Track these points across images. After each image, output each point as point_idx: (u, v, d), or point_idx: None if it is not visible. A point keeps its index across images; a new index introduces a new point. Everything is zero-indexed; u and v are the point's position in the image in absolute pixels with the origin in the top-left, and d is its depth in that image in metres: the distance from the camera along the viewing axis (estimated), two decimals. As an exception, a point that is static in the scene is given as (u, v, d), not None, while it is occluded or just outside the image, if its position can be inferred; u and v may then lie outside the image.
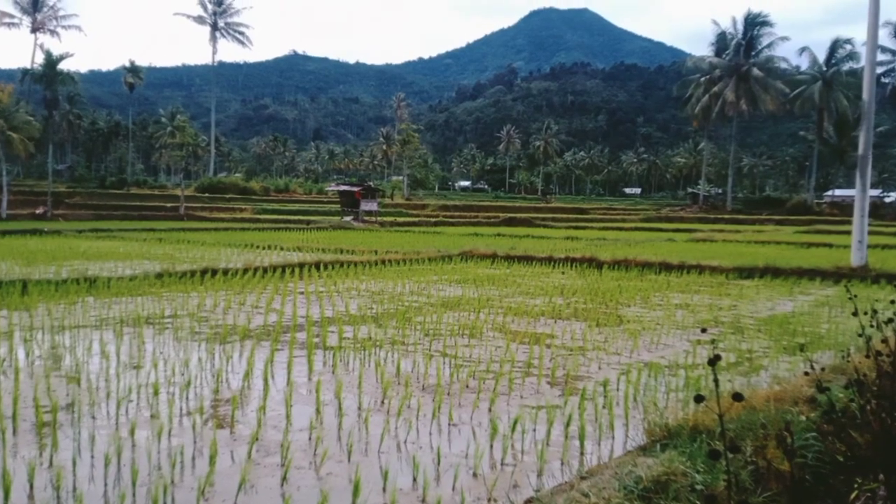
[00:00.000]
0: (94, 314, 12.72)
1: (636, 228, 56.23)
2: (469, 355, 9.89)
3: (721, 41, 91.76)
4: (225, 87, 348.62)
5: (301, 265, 20.81)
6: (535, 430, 6.77)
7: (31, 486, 5.21)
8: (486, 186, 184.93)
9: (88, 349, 9.76)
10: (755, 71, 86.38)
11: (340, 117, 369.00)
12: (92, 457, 5.88)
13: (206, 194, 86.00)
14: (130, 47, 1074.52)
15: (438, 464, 5.87)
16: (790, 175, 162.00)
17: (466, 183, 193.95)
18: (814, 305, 16.03)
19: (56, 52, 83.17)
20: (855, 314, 5.19)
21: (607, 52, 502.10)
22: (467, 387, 8.23)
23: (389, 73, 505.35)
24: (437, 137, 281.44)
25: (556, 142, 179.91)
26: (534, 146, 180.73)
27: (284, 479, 5.50)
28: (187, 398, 7.59)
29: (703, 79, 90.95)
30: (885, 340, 5.10)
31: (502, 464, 5.98)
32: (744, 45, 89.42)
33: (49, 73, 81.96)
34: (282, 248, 27.93)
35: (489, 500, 5.25)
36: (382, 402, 7.57)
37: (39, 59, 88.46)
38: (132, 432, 6.36)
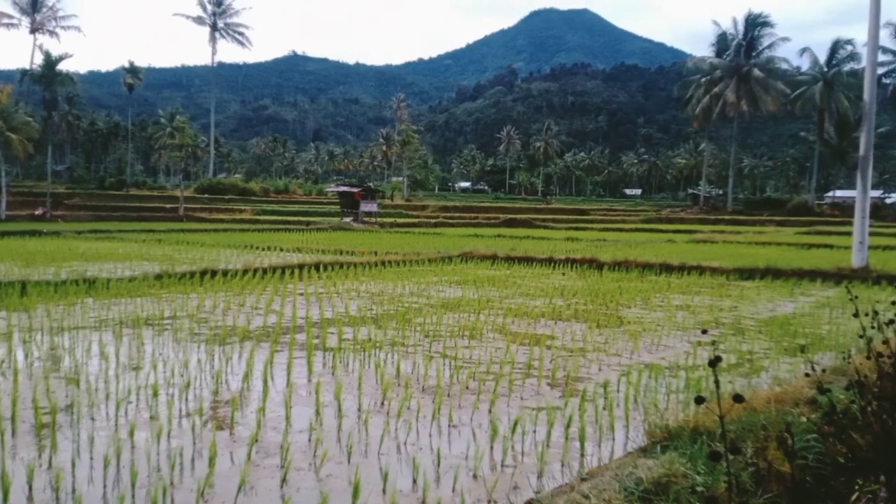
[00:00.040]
0: (93, 315, 12.71)
1: (637, 229, 56.20)
2: (469, 356, 9.87)
3: (722, 42, 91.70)
4: (224, 87, 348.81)
5: (301, 266, 20.81)
6: (535, 431, 6.75)
7: (31, 488, 5.20)
8: (486, 187, 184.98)
9: (87, 350, 9.75)
10: (756, 72, 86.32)
11: (340, 118, 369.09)
12: (91, 458, 5.87)
13: (206, 195, 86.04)
14: (130, 48, 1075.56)
15: (438, 465, 5.86)
16: (791, 176, 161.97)
17: (466, 184, 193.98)
18: (815, 307, 16.02)
19: (55, 53, 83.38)
20: (856, 315, 5.18)
21: (608, 52, 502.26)
22: (467, 388, 8.22)
23: (389, 74, 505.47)
24: (437, 138, 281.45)
25: (556, 143, 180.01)
26: (534, 147, 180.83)
27: (284, 480, 5.48)
28: (187, 399, 7.57)
29: (703, 79, 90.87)
30: (886, 342, 5.10)
31: (502, 465, 5.97)
32: (744, 45, 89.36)
33: (48, 74, 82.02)
34: (281, 250, 27.94)
35: (489, 501, 5.24)
36: (382, 404, 7.55)
37: (38, 59, 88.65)
38: (131, 434, 6.34)
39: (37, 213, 59.87)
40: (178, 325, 11.76)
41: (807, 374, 5.12)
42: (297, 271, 20.08)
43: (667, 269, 22.72)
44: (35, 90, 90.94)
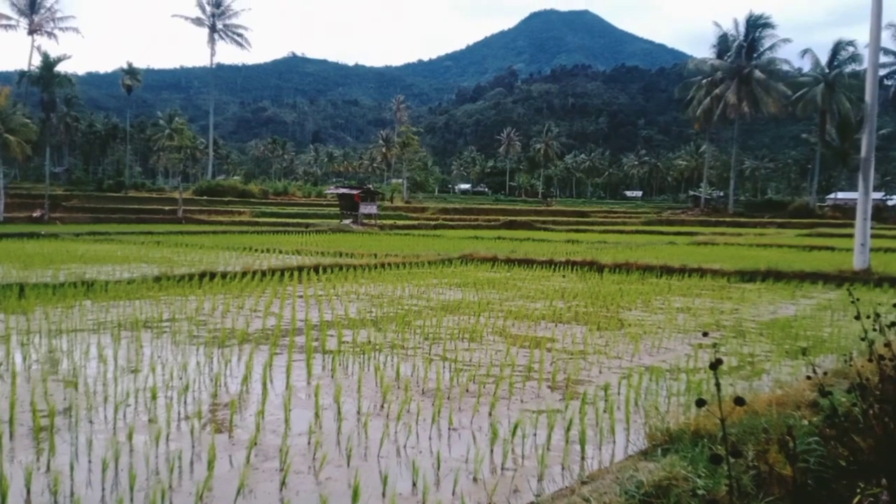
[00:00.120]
0: (91, 318, 12.69)
1: (637, 231, 56.17)
2: (469, 359, 9.86)
3: (723, 43, 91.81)
4: (223, 89, 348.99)
5: (300, 268, 20.79)
6: (535, 434, 6.73)
7: (29, 491, 5.17)
8: (486, 189, 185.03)
9: (86, 353, 9.72)
10: (757, 73, 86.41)
11: (340, 120, 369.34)
12: (89, 461, 5.84)
13: (205, 197, 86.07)
14: (128, 49, 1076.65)
15: (438, 468, 5.84)
16: (792, 178, 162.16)
17: (466, 186, 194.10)
18: (816, 309, 16.00)
19: (53, 54, 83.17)
20: (857, 318, 5.17)
21: (608, 54, 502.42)
22: (467, 391, 8.20)
23: (389, 75, 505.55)
24: (437, 140, 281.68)
25: (556, 144, 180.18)
26: (534, 149, 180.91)
27: (283, 483, 5.46)
28: (185, 402, 7.55)
29: (704, 81, 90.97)
30: (887, 344, 5.08)
31: (503, 468, 5.94)
32: (745, 46, 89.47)
33: (46, 76, 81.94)
34: (280, 252, 27.95)
35: (489, 505, 5.22)
36: (382, 407, 7.53)
37: (36, 61, 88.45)
38: (130, 437, 6.31)
39: (35, 214, 59.86)
40: (176, 328, 11.74)
41: (808, 377, 5.09)
42: (296, 273, 20.06)
43: (667, 271, 22.69)
44: (33, 92, 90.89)
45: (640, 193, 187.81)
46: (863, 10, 23.54)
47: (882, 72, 75.97)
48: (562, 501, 4.65)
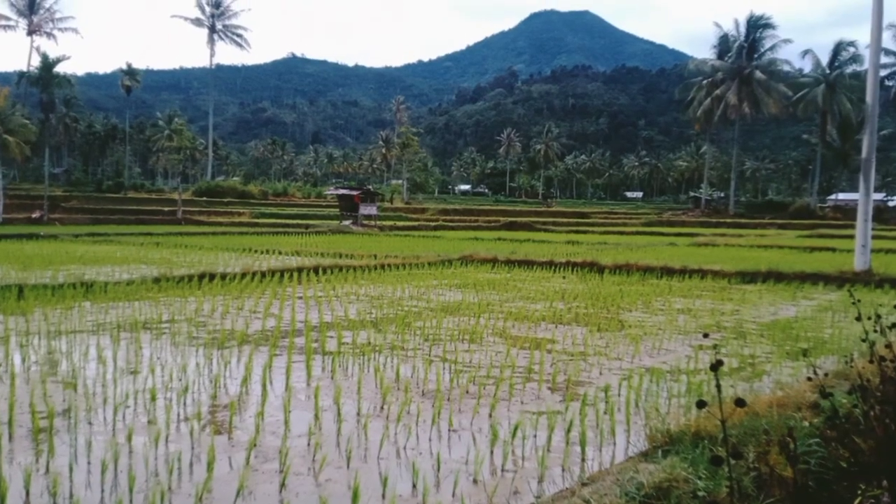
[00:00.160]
0: (90, 319, 12.68)
1: (638, 232, 56.12)
2: (469, 360, 9.84)
3: (723, 44, 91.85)
4: (223, 90, 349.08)
5: (300, 269, 20.77)
6: (535, 435, 6.71)
7: (28, 493, 5.16)
8: (486, 190, 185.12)
9: (85, 354, 9.72)
10: (758, 74, 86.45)
11: (339, 120, 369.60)
12: (89, 463, 5.82)
13: (204, 198, 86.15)
14: (127, 50, 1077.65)
15: (438, 470, 5.82)
16: (793, 179, 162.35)
17: (466, 187, 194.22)
18: (817, 310, 15.98)
19: (52, 55, 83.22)
20: (858, 319, 5.16)
21: (608, 54, 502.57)
22: (467, 392, 8.18)
23: (389, 76, 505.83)
24: (437, 141, 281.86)
25: (556, 145, 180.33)
26: (534, 149, 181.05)
27: (283, 485, 5.45)
28: (185, 404, 7.53)
29: (705, 81, 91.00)
30: (888, 345, 5.06)
31: (503, 470, 5.93)
32: (746, 47, 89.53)
33: (45, 76, 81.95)
34: (280, 253, 27.93)
35: (489, 507, 5.21)
36: (382, 408, 7.52)
37: (36, 61, 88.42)
38: (129, 438, 6.30)
39: (34, 215, 59.85)
40: (176, 329, 11.73)
41: (809, 379, 5.08)
42: (295, 275, 20.04)
43: (668, 272, 22.66)
44: (32, 92, 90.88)
45: (640, 194, 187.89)
46: (864, 10, 23.53)
47: (883, 72, 75.86)
48: (562, 503, 4.63)
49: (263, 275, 19.51)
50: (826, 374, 5.51)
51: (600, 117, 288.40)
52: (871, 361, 5.03)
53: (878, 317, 5.20)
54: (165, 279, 17.61)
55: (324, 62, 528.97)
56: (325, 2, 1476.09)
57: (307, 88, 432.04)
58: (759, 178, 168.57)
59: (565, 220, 78.14)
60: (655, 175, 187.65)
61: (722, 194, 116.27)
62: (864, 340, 5.03)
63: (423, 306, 15.08)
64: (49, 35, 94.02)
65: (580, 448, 6.33)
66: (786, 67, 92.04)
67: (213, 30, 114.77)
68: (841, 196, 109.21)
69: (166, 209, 71.21)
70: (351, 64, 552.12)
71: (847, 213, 74.06)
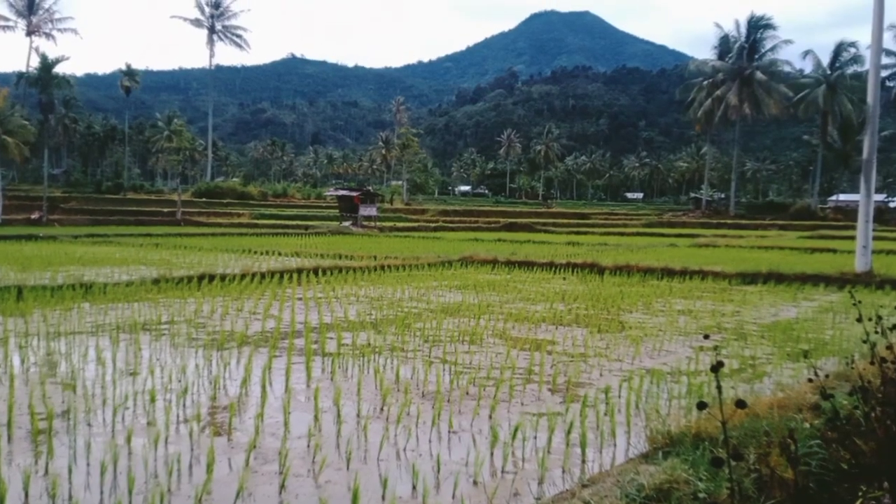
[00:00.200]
0: (90, 320, 12.68)
1: (638, 233, 56.09)
2: (469, 362, 9.83)
3: (724, 44, 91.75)
4: (222, 90, 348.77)
5: (299, 271, 20.76)
6: (535, 437, 6.71)
7: (27, 495, 5.15)
8: (486, 191, 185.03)
9: (84, 356, 9.72)
10: (758, 74, 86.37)
11: (339, 121, 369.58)
12: (88, 465, 5.82)
13: (204, 199, 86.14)
14: (127, 50, 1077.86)
15: (438, 471, 5.82)
16: (794, 180, 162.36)
17: (466, 188, 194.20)
18: (818, 311, 15.96)
19: (51, 56, 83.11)
20: (859, 320, 5.15)
21: (609, 55, 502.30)
22: (467, 394, 8.18)
23: (388, 77, 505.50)
24: (437, 142, 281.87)
25: (557, 146, 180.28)
26: (535, 150, 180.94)
27: (283, 487, 5.44)
28: (184, 405, 7.53)
29: (705, 82, 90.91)
30: (889, 347, 5.05)
31: (503, 471, 5.92)
32: (747, 48, 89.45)
33: (44, 77, 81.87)
34: (280, 254, 27.90)
35: (489, 509, 5.20)
36: (381, 410, 7.51)
37: (35, 62, 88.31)
38: (128, 440, 6.30)
39: (33, 217, 59.79)
40: (175, 330, 11.72)
41: (810, 380, 5.07)
42: (295, 276, 20.03)
43: (668, 273, 22.64)
44: (31, 93, 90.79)
45: (640, 195, 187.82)
46: (864, 11, 23.51)
47: (884, 73, 75.74)
48: (562, 505, 4.63)
49: (263, 276, 19.50)
50: (827, 376, 5.50)
51: (601, 118, 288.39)
52: (872, 363, 5.02)
53: (879, 318, 5.19)
54: (165, 280, 17.60)
55: (323, 63, 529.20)
56: (324, 2, 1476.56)
57: (307, 89, 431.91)
58: (759, 179, 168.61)
59: (565, 221, 78.04)
60: (656, 176, 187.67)
61: (722, 195, 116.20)
62: (865, 342, 5.02)
63: (423, 307, 15.08)
64: (48, 36, 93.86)
65: (580, 449, 6.32)
66: (786, 68, 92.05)
67: (212, 30, 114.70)
68: (842, 197, 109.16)
69: (165, 210, 71.15)
70: (350, 64, 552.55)
71: (848, 215, 73.96)
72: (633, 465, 5.38)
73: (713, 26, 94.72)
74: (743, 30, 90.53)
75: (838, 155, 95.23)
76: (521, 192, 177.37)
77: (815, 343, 11.47)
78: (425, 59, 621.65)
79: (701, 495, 4.42)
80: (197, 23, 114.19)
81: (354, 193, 63.96)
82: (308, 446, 6.37)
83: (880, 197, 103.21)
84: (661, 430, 6.06)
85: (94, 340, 10.73)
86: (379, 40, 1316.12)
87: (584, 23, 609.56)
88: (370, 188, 78.82)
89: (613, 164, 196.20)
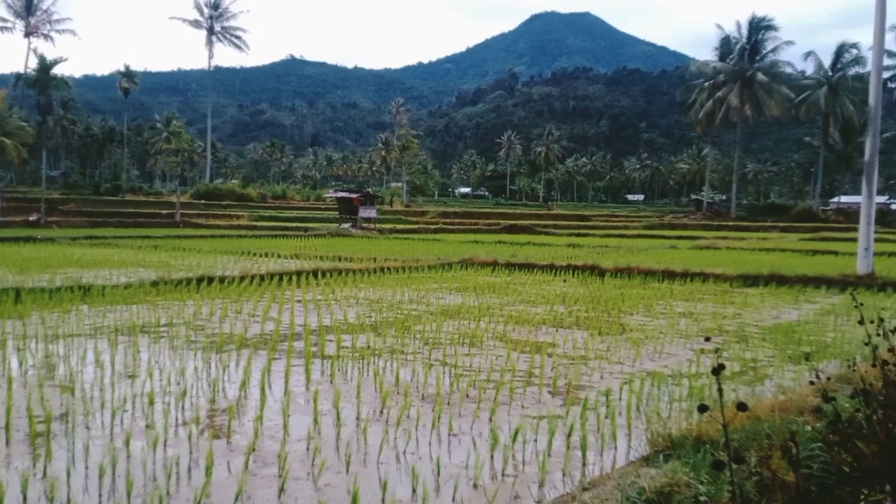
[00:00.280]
0: (88, 323, 12.66)
1: (639, 236, 56.06)
2: (469, 364, 9.81)
3: (725, 45, 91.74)
4: (221, 92, 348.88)
5: (299, 273, 20.74)
6: (536, 440, 6.69)
7: (25, 498, 5.13)
8: (486, 193, 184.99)
9: (83, 358, 9.70)
10: (760, 76, 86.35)
11: (339, 123, 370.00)
12: (86, 467, 5.80)
13: (203, 201, 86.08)
14: (125, 52, 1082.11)
15: (438, 475, 5.79)
16: (795, 181, 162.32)
17: (466, 189, 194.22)
18: (819, 314, 15.93)
19: (50, 57, 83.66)
20: (861, 323, 5.13)
21: (609, 56, 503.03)
22: (467, 396, 8.15)
23: (388, 78, 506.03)
24: (437, 143, 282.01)
25: (557, 148, 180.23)
26: (535, 152, 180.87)
27: (282, 490, 5.42)
28: (183, 408, 7.50)
29: (706, 84, 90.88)
30: (891, 349, 5.03)
31: (503, 475, 5.90)
32: (748, 49, 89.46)
33: (43, 78, 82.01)
34: (279, 256, 27.86)
35: (490, 512, 5.18)
36: (381, 412, 7.49)
37: (33, 63, 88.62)
38: (127, 443, 6.28)
39: (31, 218, 59.72)
40: (174, 333, 11.69)
41: (811, 383, 5.05)
42: (294, 278, 20.01)
43: (669, 275, 22.62)
44: (29, 94, 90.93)
45: (641, 197, 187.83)
46: (866, 12, 23.50)
47: (886, 74, 75.66)
48: (563, 508, 4.61)
49: (262, 278, 19.48)
50: (828, 378, 5.49)
51: (601, 119, 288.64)
52: (873, 365, 5.00)
53: (881, 320, 5.16)
54: (163, 282, 17.58)
55: (323, 64, 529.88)
56: (324, 3, 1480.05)
57: (306, 90, 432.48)
58: (760, 181, 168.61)
59: (566, 222, 78.02)
60: (657, 178, 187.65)
61: (724, 197, 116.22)
62: (866, 344, 4.99)
63: (423, 310, 15.05)
64: (46, 37, 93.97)
65: (581, 452, 6.31)
66: (788, 69, 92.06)
67: (211, 31, 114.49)
68: (843, 199, 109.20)
69: (164, 212, 71.09)
70: (350, 66, 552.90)
71: (850, 216, 73.94)
72: (633, 468, 5.37)
73: (714, 27, 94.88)
74: (744, 31, 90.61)
75: (840, 157, 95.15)
76: (522, 194, 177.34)
77: (816, 345, 11.45)
78: (425, 61, 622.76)
79: (702, 498, 4.41)
80: (196, 24, 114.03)
81: (354, 195, 63.97)
82: (307, 449, 6.35)
83: (882, 199, 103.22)
84: (661, 432, 6.05)
85: (93, 343, 10.71)
86: (378, 41, 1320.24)
87: (585, 24, 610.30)
88: (370, 190, 78.77)
89: (614, 165, 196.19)
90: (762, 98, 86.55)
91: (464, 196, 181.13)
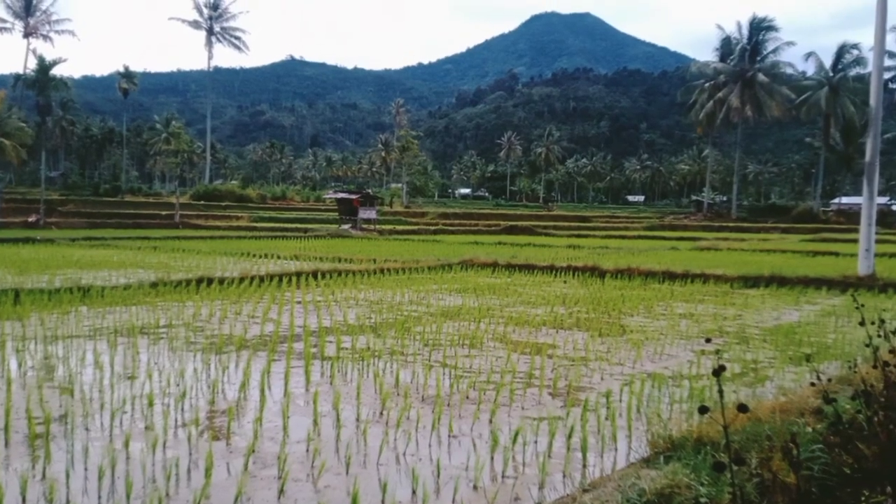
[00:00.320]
0: (87, 324, 12.65)
1: (639, 237, 56.06)
2: (469, 366, 9.79)
3: (726, 46, 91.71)
4: (221, 92, 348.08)
5: (298, 274, 20.73)
6: (536, 441, 6.68)
7: (24, 499, 5.12)
8: (486, 194, 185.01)
9: (82, 359, 9.69)
10: (760, 76, 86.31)
11: (338, 123, 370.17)
12: (85, 469, 5.79)
13: (202, 202, 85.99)
14: (125, 52, 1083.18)
15: (438, 476, 5.78)
16: (796, 182, 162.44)
17: (466, 190, 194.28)
18: (820, 315, 15.92)
19: (49, 57, 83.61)
20: (862, 324, 5.11)
21: (610, 57, 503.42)
22: (467, 398, 8.14)
23: (388, 79, 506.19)
24: (437, 144, 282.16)
25: (557, 148, 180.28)
26: (535, 153, 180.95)
27: (281, 491, 5.41)
28: (183, 409, 7.49)
29: (707, 84, 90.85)
30: (892, 351, 5.02)
31: (503, 476, 5.89)
32: (749, 50, 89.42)
33: (42, 79, 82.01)
34: (279, 257, 27.83)
35: (490, 514, 5.17)
36: (381, 414, 7.47)
37: (32, 64, 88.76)
38: (126, 444, 6.27)
39: (30, 219, 59.61)
40: (173, 334, 11.68)
41: (812, 384, 5.04)
42: (294, 279, 19.99)
43: (670, 276, 22.60)
44: (28, 95, 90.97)
45: (642, 198, 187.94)
46: (867, 12, 23.49)
47: (887, 75, 75.66)
48: (563, 510, 4.60)
49: (262, 279, 19.47)
50: (829, 380, 5.46)
51: (601, 120, 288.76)
52: (874, 366, 4.98)
53: (882, 321, 5.15)
54: (163, 284, 17.57)
55: (322, 65, 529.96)
56: (323, 4, 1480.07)
57: (306, 91, 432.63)
58: (761, 182, 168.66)
59: (566, 224, 78.02)
60: (657, 179, 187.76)
61: (724, 198, 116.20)
62: (867, 345, 4.98)
63: (423, 311, 15.04)
64: (45, 37, 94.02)
65: (581, 454, 6.30)
66: (789, 70, 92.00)
67: (211, 32, 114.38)
68: (844, 200, 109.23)
69: (164, 213, 70.94)
70: (350, 66, 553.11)
71: (850, 217, 73.90)
72: (634, 470, 5.36)
73: (715, 28, 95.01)
74: (745, 31, 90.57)
75: (841, 157, 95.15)
76: (522, 195, 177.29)
77: (817, 347, 11.44)
78: (425, 61, 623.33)
79: (703, 500, 4.40)
80: (195, 24, 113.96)
81: (354, 196, 63.97)
82: (307, 451, 6.34)
83: (883, 200, 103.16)
84: (662, 434, 6.05)
85: (92, 344, 10.70)
86: (378, 42, 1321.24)
87: (585, 24, 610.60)
88: (369, 191, 78.73)
89: (614, 166, 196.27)
90: (763, 99, 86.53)
91: (464, 197, 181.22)
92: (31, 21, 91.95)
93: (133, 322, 12.62)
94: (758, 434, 5.50)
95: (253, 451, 6.16)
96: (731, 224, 78.52)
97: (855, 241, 25.35)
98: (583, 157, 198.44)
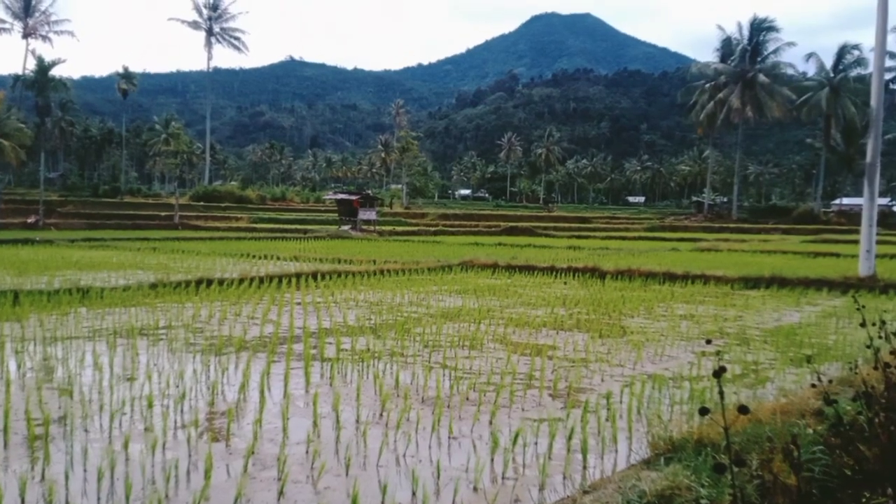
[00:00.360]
0: (86, 325, 12.63)
1: (640, 238, 56.06)
2: (469, 367, 9.79)
3: (726, 47, 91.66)
4: (220, 93, 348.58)
5: (298, 275, 20.71)
6: (536, 443, 6.67)
7: (23, 501, 5.11)
8: (486, 195, 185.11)
9: (81, 361, 9.68)
10: (761, 77, 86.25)
11: (338, 124, 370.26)
12: (85, 470, 5.78)
13: (201, 203, 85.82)
14: (124, 53, 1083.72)
15: (438, 478, 5.78)
16: (797, 183, 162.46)
17: (467, 191, 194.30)
18: (821, 316, 15.91)
19: (48, 58, 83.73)
20: (863, 325, 5.10)
21: (610, 57, 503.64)
22: (467, 399, 8.13)
23: (388, 80, 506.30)
24: (437, 145, 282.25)
25: (558, 149, 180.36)
26: (535, 154, 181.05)
27: (281, 493, 5.40)
28: (182, 411, 7.48)
29: (707, 85, 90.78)
30: (893, 352, 5.01)
31: (503, 478, 5.88)
32: (749, 50, 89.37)
33: (41, 80, 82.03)
34: (278, 258, 27.80)
35: (490, 516, 5.16)
36: (381, 415, 7.47)
37: (31, 64, 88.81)
38: (126, 445, 6.25)
39: (29, 221, 59.47)
40: (173, 335, 11.67)
41: (813, 385, 5.03)
42: (294, 280, 19.97)
43: (670, 277, 22.59)
44: (28, 96, 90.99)
45: (642, 199, 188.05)
46: (868, 13, 23.50)
47: (888, 76, 75.58)
48: (564, 512, 4.60)
49: (261, 280, 19.45)
50: (830, 381, 5.45)
51: (602, 121, 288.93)
52: (875, 368, 4.97)
53: (883, 323, 5.15)
54: (162, 285, 17.55)
55: (322, 65, 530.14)
56: (323, 4, 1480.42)
57: (305, 92, 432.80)
58: (762, 183, 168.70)
59: (566, 225, 77.96)
60: (658, 179, 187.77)
61: (725, 199, 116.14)
62: (868, 347, 4.97)
63: (423, 312, 15.03)
64: (45, 38, 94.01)
65: (581, 455, 6.29)
66: (789, 71, 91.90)
67: (210, 33, 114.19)
68: (845, 201, 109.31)
69: (163, 214, 70.78)
70: (350, 67, 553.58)
71: (851, 218, 73.87)
72: (634, 471, 5.36)
73: (715, 29, 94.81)
74: (745, 32, 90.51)
75: (841, 158, 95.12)
76: (522, 196, 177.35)
77: (818, 348, 11.44)
78: (425, 62, 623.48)
79: (703, 501, 4.40)
80: (195, 25, 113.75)
81: (353, 197, 63.87)
82: (307, 452, 6.33)
83: (884, 201, 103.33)
84: (662, 435, 6.04)
85: (91, 345, 10.69)
86: (378, 42, 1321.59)
87: (586, 25, 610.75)
88: (369, 192, 78.64)
89: (615, 167, 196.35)
90: (763, 99, 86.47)
91: (464, 198, 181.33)
92: (31, 22, 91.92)
93: (132, 323, 12.61)
94: (758, 435, 5.50)
95: (252, 452, 6.15)
96: (731, 225, 78.49)
97: (856, 242, 25.33)
98: (583, 157, 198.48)
